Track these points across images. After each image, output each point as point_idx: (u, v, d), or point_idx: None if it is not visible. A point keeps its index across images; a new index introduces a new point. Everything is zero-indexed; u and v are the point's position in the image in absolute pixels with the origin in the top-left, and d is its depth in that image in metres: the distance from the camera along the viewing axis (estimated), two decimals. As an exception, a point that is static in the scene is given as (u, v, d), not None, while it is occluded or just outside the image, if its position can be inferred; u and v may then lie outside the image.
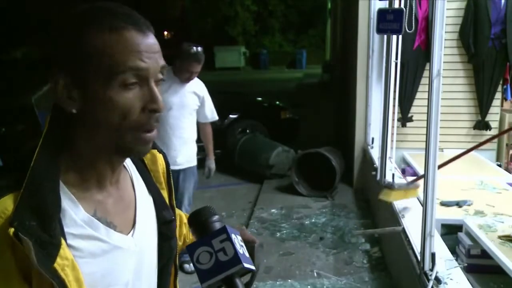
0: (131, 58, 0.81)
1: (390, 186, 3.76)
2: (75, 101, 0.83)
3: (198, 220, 0.88)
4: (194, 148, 3.98)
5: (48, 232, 0.78)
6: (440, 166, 2.68)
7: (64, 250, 0.79)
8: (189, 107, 3.88)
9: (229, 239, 0.83)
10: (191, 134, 3.93)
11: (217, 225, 0.88)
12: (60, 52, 0.83)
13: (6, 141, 5.92)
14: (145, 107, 0.84)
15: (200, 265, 0.83)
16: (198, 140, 4.09)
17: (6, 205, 0.78)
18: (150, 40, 0.84)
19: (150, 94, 0.84)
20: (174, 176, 3.73)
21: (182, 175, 3.87)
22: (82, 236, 0.84)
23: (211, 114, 4.08)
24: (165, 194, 1.05)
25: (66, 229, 0.82)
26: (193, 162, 3.97)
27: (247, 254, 0.85)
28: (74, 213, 0.84)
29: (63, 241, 0.80)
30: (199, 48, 3.73)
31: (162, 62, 0.86)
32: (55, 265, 0.77)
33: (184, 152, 3.87)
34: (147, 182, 1.02)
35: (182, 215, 1.28)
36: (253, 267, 0.84)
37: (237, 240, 0.85)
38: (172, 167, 3.93)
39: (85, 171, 0.88)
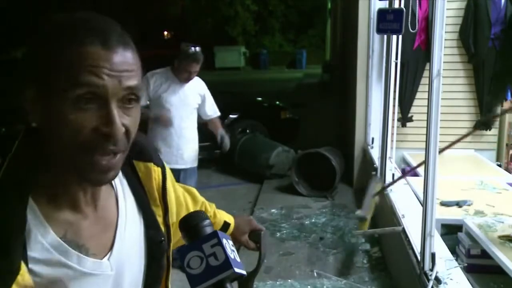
0: (86, 73, 0.75)
1: (362, 219, 3.73)
2: (38, 115, 0.79)
3: (189, 225, 0.87)
4: (196, 148, 4.00)
5: (4, 258, 0.73)
6: (441, 151, 2.67)
7: (22, 276, 0.74)
8: (189, 106, 3.89)
9: (220, 243, 0.83)
10: (193, 133, 3.95)
11: (208, 230, 0.87)
12: (28, 63, 0.80)
13: (6, 141, 5.91)
14: (97, 128, 0.76)
15: (191, 270, 0.82)
16: (200, 140, 4.10)
17: None
18: (117, 58, 0.77)
19: (106, 115, 0.76)
20: (176, 175, 3.73)
21: (183, 174, 3.88)
22: (46, 261, 0.79)
23: (213, 111, 4.08)
24: (159, 211, 1.00)
25: (29, 253, 0.77)
26: (195, 162, 3.99)
27: (238, 259, 0.85)
28: (41, 235, 0.79)
29: (23, 266, 0.75)
30: (197, 48, 3.74)
31: (128, 83, 0.78)
32: None
33: (187, 151, 3.89)
34: (138, 198, 0.96)
35: (206, 203, 1.28)
36: (244, 272, 0.84)
37: (228, 245, 0.85)
38: (174, 166, 3.92)
39: (55, 190, 0.83)
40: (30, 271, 0.77)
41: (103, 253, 0.88)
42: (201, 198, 1.28)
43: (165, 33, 32.42)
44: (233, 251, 0.85)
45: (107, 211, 0.91)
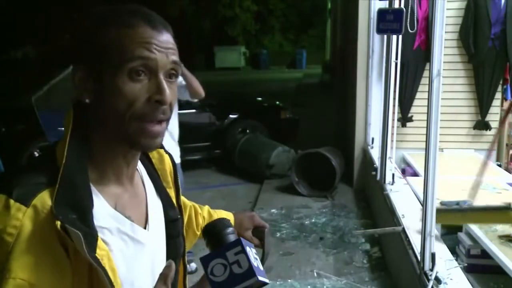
0: (140, 48, 0.85)
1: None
2: (90, 92, 0.87)
3: (213, 232, 0.89)
4: (177, 144, 3.91)
5: (87, 224, 0.81)
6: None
7: (100, 242, 0.82)
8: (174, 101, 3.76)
9: (243, 251, 0.83)
10: (174, 129, 3.84)
11: (232, 237, 0.88)
12: (79, 47, 0.89)
13: (6, 141, 5.92)
14: (150, 97, 0.86)
15: (214, 277, 0.82)
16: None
17: (45, 201, 0.80)
18: (163, 37, 0.88)
19: (157, 85, 0.86)
20: None
21: None
22: (109, 229, 0.87)
23: (183, 94, 3.83)
24: (172, 193, 1.08)
25: (95, 223, 0.84)
26: (178, 158, 3.91)
27: (261, 267, 0.85)
28: (100, 207, 0.87)
29: (98, 233, 0.83)
30: None
31: (173, 57, 0.89)
32: (96, 254, 0.80)
33: (171, 149, 3.82)
34: (154, 181, 1.04)
35: (196, 206, 1.31)
36: (267, 280, 0.85)
37: (251, 252, 0.85)
38: None
39: (103, 166, 0.90)
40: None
41: (142, 225, 0.95)
42: (189, 203, 1.31)
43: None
44: (256, 259, 0.86)
45: (139, 187, 0.99)
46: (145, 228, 0.95)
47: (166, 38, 0.88)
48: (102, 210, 0.87)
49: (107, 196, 0.89)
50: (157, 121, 0.88)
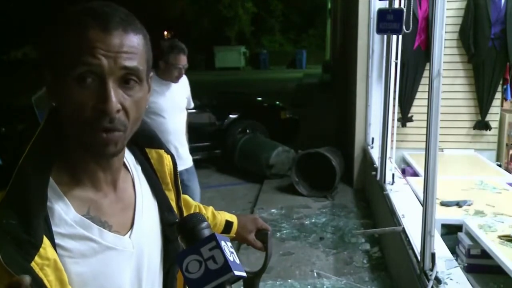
0: (85, 54, 0.80)
1: None
2: (54, 97, 0.86)
3: (186, 228, 0.86)
4: (188, 146, 3.90)
5: (27, 231, 0.77)
6: None
7: (45, 250, 0.78)
8: (181, 108, 3.77)
9: (218, 246, 0.81)
10: (184, 132, 3.85)
11: (206, 232, 0.86)
12: (41, 51, 0.88)
13: (6, 141, 5.92)
14: (95, 105, 0.82)
15: (190, 274, 0.80)
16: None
17: None
18: (115, 40, 0.82)
19: (103, 93, 0.82)
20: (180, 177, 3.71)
21: (186, 174, 3.80)
22: (71, 236, 0.83)
23: (190, 103, 3.94)
24: (171, 195, 1.05)
25: (54, 228, 0.81)
26: (191, 160, 3.92)
27: (237, 261, 0.83)
28: (64, 212, 0.84)
29: (45, 241, 0.79)
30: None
31: (125, 63, 0.82)
32: (33, 264, 0.76)
33: (185, 152, 3.83)
34: (151, 182, 1.01)
35: (200, 206, 1.30)
36: (244, 274, 0.82)
37: (227, 247, 0.83)
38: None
39: (76, 170, 0.88)
40: (58, 245, 0.81)
41: (124, 231, 0.92)
42: (194, 203, 1.30)
43: (165, 33, 32.43)
44: (232, 253, 0.84)
45: (125, 192, 0.95)
46: (127, 233, 0.92)
47: (118, 41, 0.82)
48: (66, 216, 0.84)
49: (77, 201, 0.86)
50: (103, 129, 0.83)
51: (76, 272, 0.83)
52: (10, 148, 5.52)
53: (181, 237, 0.87)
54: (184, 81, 3.79)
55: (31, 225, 0.78)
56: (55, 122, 0.88)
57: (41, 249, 0.78)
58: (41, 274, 0.77)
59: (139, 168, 1.01)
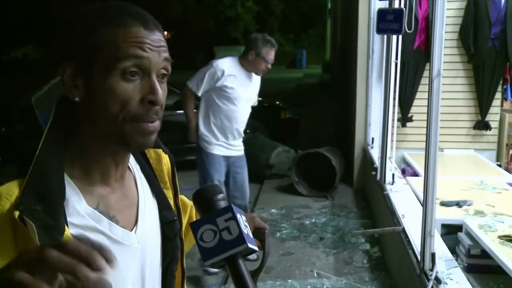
0: (132, 47, 0.84)
1: None
2: (79, 90, 0.87)
3: (203, 198, 0.87)
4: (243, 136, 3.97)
5: (53, 216, 0.80)
6: None
7: (66, 237, 0.80)
8: (251, 100, 3.82)
9: (234, 218, 0.82)
10: (245, 124, 3.90)
11: (222, 204, 0.86)
12: (69, 45, 0.88)
13: (6, 141, 5.92)
14: (143, 98, 0.86)
15: (204, 243, 0.81)
16: None
17: (11, 190, 0.81)
18: (155, 36, 0.88)
19: (150, 86, 0.86)
20: (226, 162, 3.71)
21: (239, 160, 3.87)
22: (83, 227, 0.86)
23: (255, 100, 4.02)
24: (169, 194, 1.06)
25: (68, 219, 0.84)
26: (243, 148, 3.98)
27: (251, 235, 0.84)
28: (77, 203, 0.86)
29: (66, 228, 0.82)
30: None
31: (165, 55, 0.89)
32: None
33: (239, 142, 3.88)
34: (150, 181, 1.03)
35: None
36: (256, 248, 0.83)
37: (242, 220, 0.84)
38: (227, 154, 3.77)
39: (89, 165, 0.90)
40: (71, 235, 0.83)
41: (129, 227, 0.94)
42: (190, 202, 1.30)
43: (165, 33, 32.44)
44: (246, 226, 0.85)
45: (130, 190, 0.98)
46: (132, 230, 0.93)
47: (157, 37, 0.88)
48: (79, 207, 0.86)
49: (88, 195, 0.88)
50: (150, 121, 0.87)
51: None
52: (11, 148, 5.52)
53: (197, 207, 0.88)
54: (258, 77, 3.84)
55: (55, 211, 0.81)
56: (65, 117, 0.89)
57: (65, 235, 0.80)
58: None
59: (138, 167, 1.02)
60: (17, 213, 0.77)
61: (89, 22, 0.86)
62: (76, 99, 0.87)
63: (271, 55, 3.59)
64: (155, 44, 0.87)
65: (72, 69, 0.86)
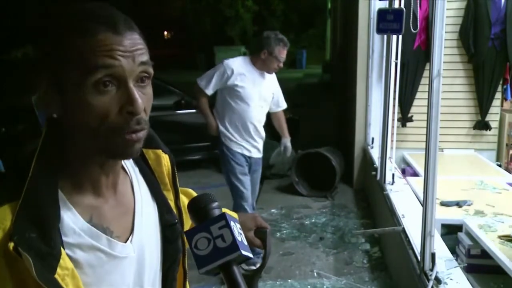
0: (101, 57, 0.78)
1: None
2: (55, 106, 0.83)
3: (197, 207, 0.88)
4: (264, 137, 4.00)
5: (48, 243, 0.77)
6: None
7: (64, 260, 0.78)
8: (266, 99, 3.81)
9: (227, 226, 0.83)
10: (263, 124, 3.92)
11: (216, 212, 0.87)
12: (43, 56, 0.83)
13: (6, 141, 5.92)
14: (122, 109, 0.81)
15: (198, 251, 0.83)
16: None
17: (3, 216, 0.77)
18: (127, 40, 0.81)
19: (128, 95, 0.80)
20: (246, 161, 3.74)
21: (255, 163, 3.89)
22: (79, 245, 0.83)
23: (282, 102, 4.02)
24: (170, 195, 1.03)
25: (64, 238, 0.81)
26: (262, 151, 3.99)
27: (245, 242, 0.85)
28: (72, 221, 0.83)
29: (62, 251, 0.79)
30: None
31: (141, 58, 0.82)
32: (56, 276, 0.77)
33: (260, 145, 3.91)
34: (150, 183, 1.00)
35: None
36: (250, 255, 0.84)
37: (235, 227, 0.85)
38: (247, 154, 3.82)
39: (78, 176, 0.87)
40: (68, 256, 0.80)
41: (125, 236, 0.91)
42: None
43: (165, 33, 32.42)
44: (241, 234, 0.86)
45: (125, 196, 0.94)
46: (127, 239, 0.91)
47: (130, 41, 0.81)
48: (74, 225, 0.82)
49: (81, 208, 0.85)
50: (132, 131, 0.82)
51: (84, 282, 0.82)
52: (9, 151, 5.52)
53: (192, 215, 0.89)
54: (273, 76, 3.84)
55: (50, 237, 0.77)
56: (54, 132, 0.86)
57: (61, 260, 0.78)
58: (63, 285, 0.77)
59: (136, 169, 0.99)
60: (11, 245, 0.74)
61: (57, 30, 0.81)
62: (54, 115, 0.83)
63: (283, 53, 3.59)
64: (128, 49, 0.80)
65: (46, 82, 0.82)
